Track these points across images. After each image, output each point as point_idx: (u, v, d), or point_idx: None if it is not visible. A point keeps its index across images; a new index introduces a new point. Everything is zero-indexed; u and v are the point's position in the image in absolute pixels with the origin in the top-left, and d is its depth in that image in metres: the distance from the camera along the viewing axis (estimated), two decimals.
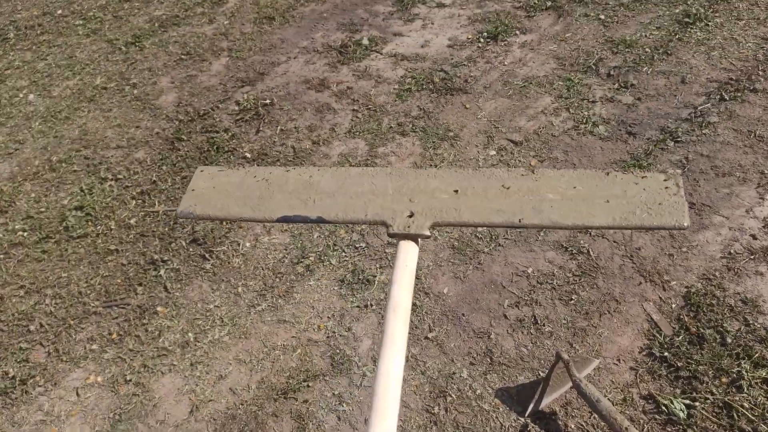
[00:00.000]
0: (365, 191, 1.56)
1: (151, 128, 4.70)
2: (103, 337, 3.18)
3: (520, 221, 1.43)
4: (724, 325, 2.81)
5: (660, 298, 3.02)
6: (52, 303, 3.37)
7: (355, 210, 1.51)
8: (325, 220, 1.51)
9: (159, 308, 3.29)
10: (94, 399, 2.90)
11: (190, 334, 3.15)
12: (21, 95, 5.27)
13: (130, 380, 2.96)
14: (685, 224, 1.40)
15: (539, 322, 2.99)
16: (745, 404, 2.50)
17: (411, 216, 1.47)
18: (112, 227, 3.82)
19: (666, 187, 1.47)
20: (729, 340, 2.74)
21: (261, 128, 4.56)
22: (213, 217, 1.57)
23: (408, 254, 1.41)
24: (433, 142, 4.25)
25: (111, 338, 3.16)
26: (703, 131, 3.94)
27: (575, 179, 1.50)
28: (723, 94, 4.21)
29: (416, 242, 1.44)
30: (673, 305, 2.97)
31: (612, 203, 1.45)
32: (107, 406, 2.87)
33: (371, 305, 3.19)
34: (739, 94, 4.19)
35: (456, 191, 1.51)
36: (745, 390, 2.54)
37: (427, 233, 1.44)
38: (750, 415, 2.45)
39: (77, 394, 2.92)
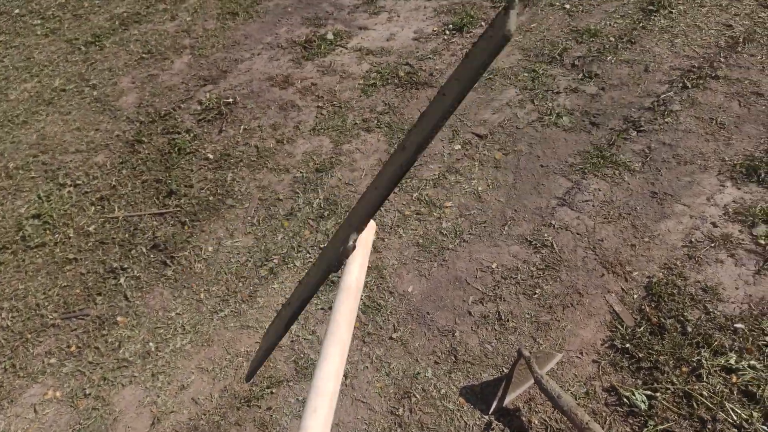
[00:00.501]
0: None
1: (111, 131, 4.59)
2: (61, 350, 3.10)
3: None
4: (685, 314, 2.83)
5: (622, 289, 3.03)
6: (8, 317, 3.28)
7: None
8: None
9: (119, 318, 3.22)
10: (52, 415, 2.83)
11: (151, 344, 3.09)
12: None
13: (90, 394, 2.89)
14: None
15: (503, 317, 2.98)
16: (705, 393, 2.51)
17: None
18: (71, 235, 3.73)
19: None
20: (689, 329, 2.75)
21: (224, 128, 4.48)
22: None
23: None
24: (398, 137, 4.21)
25: (70, 351, 3.09)
26: (666, 120, 3.96)
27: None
28: (685, 81, 4.23)
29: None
30: (635, 296, 2.98)
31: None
32: (66, 422, 2.80)
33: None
34: (701, 82, 4.20)
35: None
36: (705, 378, 2.56)
37: None
38: (709, 403, 2.47)
39: (35, 411, 2.85)
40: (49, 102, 4.98)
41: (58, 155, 4.40)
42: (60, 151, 4.43)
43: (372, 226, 1.40)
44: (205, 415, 2.77)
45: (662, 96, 4.15)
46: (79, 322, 3.23)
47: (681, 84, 4.21)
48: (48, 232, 3.76)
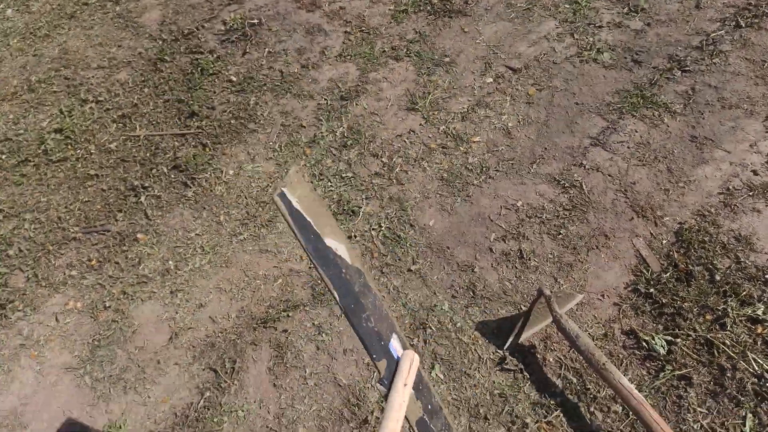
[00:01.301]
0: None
1: (133, 48, 4.49)
2: (82, 263, 3.14)
3: None
4: (714, 262, 2.73)
5: (651, 234, 2.93)
6: (31, 228, 3.31)
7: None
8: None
9: (139, 235, 3.23)
10: (73, 324, 2.89)
11: (170, 262, 3.10)
12: None
13: (109, 307, 2.94)
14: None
15: (525, 256, 2.92)
16: (727, 341, 2.45)
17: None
18: (92, 151, 3.71)
19: None
20: (718, 278, 2.67)
21: (248, 50, 4.34)
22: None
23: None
24: (428, 67, 4.04)
25: (90, 264, 3.12)
26: (714, 60, 3.72)
27: None
28: (739, 20, 3.94)
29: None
30: (664, 242, 2.88)
31: None
32: (86, 331, 2.86)
33: (355, 236, 3.11)
34: (756, 21, 3.92)
35: None
36: (729, 327, 2.49)
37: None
38: (730, 352, 2.42)
39: (56, 320, 2.91)
40: (71, 16, 4.86)
41: (81, 70, 4.33)
42: (82, 67, 4.35)
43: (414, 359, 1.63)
44: (222, 333, 2.80)
45: (712, 35, 3.89)
46: (100, 237, 3.25)
47: (734, 23, 3.93)
48: (70, 147, 3.74)
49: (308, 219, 1.49)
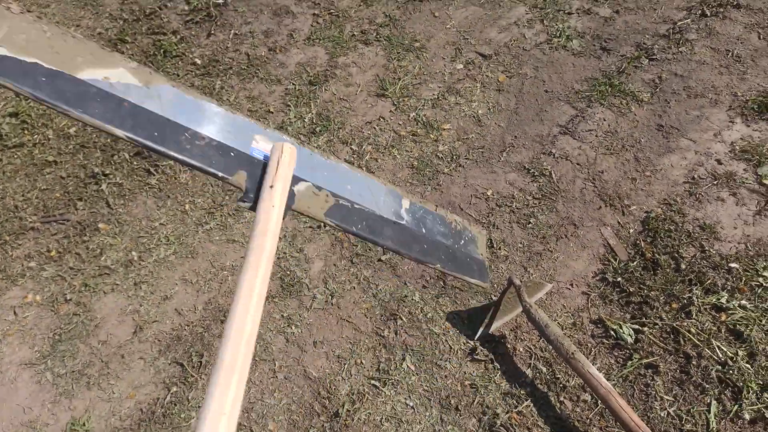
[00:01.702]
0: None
1: (92, 27, 4.30)
2: (41, 254, 3.02)
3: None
4: (680, 251, 2.78)
5: (619, 222, 2.96)
6: None
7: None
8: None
9: (101, 225, 3.12)
10: (32, 318, 2.79)
11: (133, 253, 3.01)
12: None
13: (71, 299, 2.84)
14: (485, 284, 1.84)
15: (495, 245, 2.93)
16: (692, 329, 2.51)
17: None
18: (50, 137, 3.55)
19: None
20: (683, 266, 2.72)
21: (213, 31, 4.20)
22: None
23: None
24: (398, 53, 3.98)
25: (50, 255, 3.01)
26: (680, 49, 3.76)
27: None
28: (705, 9, 3.99)
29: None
30: (631, 230, 2.92)
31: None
32: (47, 325, 2.76)
33: (324, 226, 3.06)
34: (721, 10, 3.97)
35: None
36: (694, 316, 2.55)
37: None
38: (696, 340, 2.47)
39: (15, 314, 2.80)
40: None
41: None
42: None
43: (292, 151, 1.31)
44: (188, 326, 2.74)
45: (679, 23, 3.92)
46: (60, 227, 3.12)
47: (700, 11, 3.97)
48: (26, 132, 3.58)
49: (30, 60, 1.10)
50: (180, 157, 1.21)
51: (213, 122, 1.30)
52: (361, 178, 1.53)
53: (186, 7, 4.37)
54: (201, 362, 2.60)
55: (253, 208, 1.24)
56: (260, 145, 1.30)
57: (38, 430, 2.44)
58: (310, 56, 4.01)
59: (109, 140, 3.51)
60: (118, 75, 1.20)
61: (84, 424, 2.45)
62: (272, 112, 3.64)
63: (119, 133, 1.16)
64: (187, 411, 2.46)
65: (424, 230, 1.63)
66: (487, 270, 1.87)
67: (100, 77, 1.18)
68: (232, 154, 1.27)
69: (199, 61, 3.98)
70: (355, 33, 4.15)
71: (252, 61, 3.97)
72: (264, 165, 1.30)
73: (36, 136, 3.56)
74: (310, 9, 4.36)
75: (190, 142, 1.23)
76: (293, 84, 3.82)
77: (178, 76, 3.89)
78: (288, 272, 2.89)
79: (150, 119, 1.20)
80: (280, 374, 2.55)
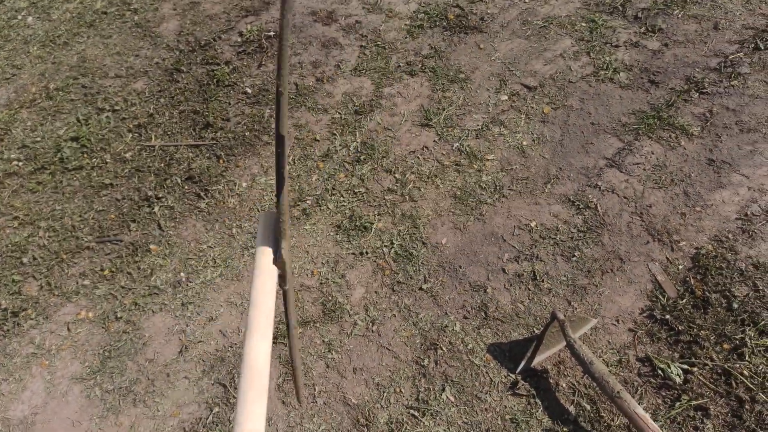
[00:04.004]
0: None
1: (150, 57, 4.52)
2: (95, 272, 3.14)
3: None
4: (732, 289, 2.69)
5: (667, 258, 2.89)
6: (45, 236, 3.33)
7: None
8: None
9: (152, 246, 3.24)
10: (84, 334, 2.90)
11: (182, 274, 3.10)
12: (20, 17, 5.07)
13: (121, 317, 2.94)
14: None
15: (538, 277, 2.89)
16: (745, 372, 2.41)
17: None
18: (108, 160, 3.73)
19: None
20: (735, 306, 2.63)
21: (263, 62, 4.36)
22: None
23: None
24: (443, 83, 4.04)
25: (103, 274, 3.13)
26: (732, 83, 3.69)
27: None
28: (758, 42, 3.91)
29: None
30: (680, 267, 2.85)
31: None
32: (97, 341, 2.86)
33: (366, 253, 3.10)
34: None
35: None
36: (747, 357, 2.45)
37: None
38: (749, 383, 2.37)
39: (68, 329, 2.92)
40: (90, 24, 4.91)
41: (98, 79, 4.36)
42: (100, 75, 4.39)
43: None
44: (231, 347, 2.79)
45: (731, 57, 3.86)
46: (113, 247, 3.25)
47: (753, 45, 3.90)
48: (85, 155, 3.77)
49: None
50: None
51: None
52: None
53: (239, 39, 4.56)
54: None
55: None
56: None
57: None
58: (357, 86, 4.10)
59: (162, 165, 3.66)
60: None
61: None
62: (318, 140, 3.73)
63: None
64: None
65: None
66: None
67: None
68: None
69: (249, 90, 4.13)
70: (400, 64, 4.23)
71: (300, 91, 4.09)
72: None
73: (94, 160, 3.74)
74: (357, 41, 4.48)
75: None
76: (339, 113, 3.91)
77: (230, 104, 4.04)
78: (330, 298, 2.93)
79: None
80: (320, 399, 2.57)
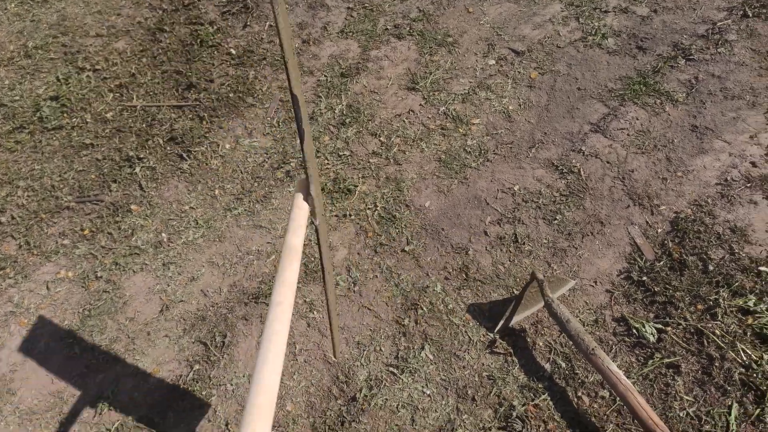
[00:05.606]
0: None
1: (132, 16, 4.42)
2: (75, 232, 3.12)
3: None
4: (709, 252, 2.73)
5: (647, 222, 2.92)
6: (24, 195, 3.29)
7: None
8: None
9: (133, 206, 3.21)
10: (64, 293, 2.89)
11: (163, 235, 3.09)
12: None
13: (101, 277, 2.93)
14: None
15: (520, 240, 2.91)
16: (717, 331, 2.46)
17: None
18: (88, 120, 3.67)
19: None
20: (711, 268, 2.66)
21: (248, 23, 4.28)
22: None
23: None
24: (430, 47, 3.99)
25: (83, 234, 3.11)
26: (719, 50, 3.67)
27: None
28: (747, 9, 3.89)
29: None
30: (659, 230, 2.88)
31: None
32: (77, 300, 2.86)
33: (350, 215, 3.10)
34: (764, 11, 3.87)
35: None
36: (719, 318, 2.50)
37: None
38: (720, 342, 2.42)
39: (47, 288, 2.91)
40: None
41: (78, 38, 4.26)
42: (80, 34, 4.29)
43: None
44: (213, 307, 2.80)
45: (719, 24, 3.84)
46: (93, 207, 3.23)
47: (741, 12, 3.88)
48: (65, 115, 3.70)
49: None
50: None
51: None
52: None
53: None
54: (224, 342, 2.66)
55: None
56: None
57: (65, 400, 2.52)
58: (343, 49, 4.05)
59: (144, 125, 3.61)
60: None
61: (109, 397, 2.52)
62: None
63: None
64: (209, 389, 2.52)
65: None
66: None
67: None
68: None
69: (234, 51, 4.06)
70: (388, 27, 4.17)
71: None
72: None
73: (74, 120, 3.68)
74: (344, 2, 4.40)
75: None
76: (325, 76, 3.86)
77: (214, 65, 3.97)
78: (312, 259, 2.93)
79: None
80: (300, 357, 2.59)
